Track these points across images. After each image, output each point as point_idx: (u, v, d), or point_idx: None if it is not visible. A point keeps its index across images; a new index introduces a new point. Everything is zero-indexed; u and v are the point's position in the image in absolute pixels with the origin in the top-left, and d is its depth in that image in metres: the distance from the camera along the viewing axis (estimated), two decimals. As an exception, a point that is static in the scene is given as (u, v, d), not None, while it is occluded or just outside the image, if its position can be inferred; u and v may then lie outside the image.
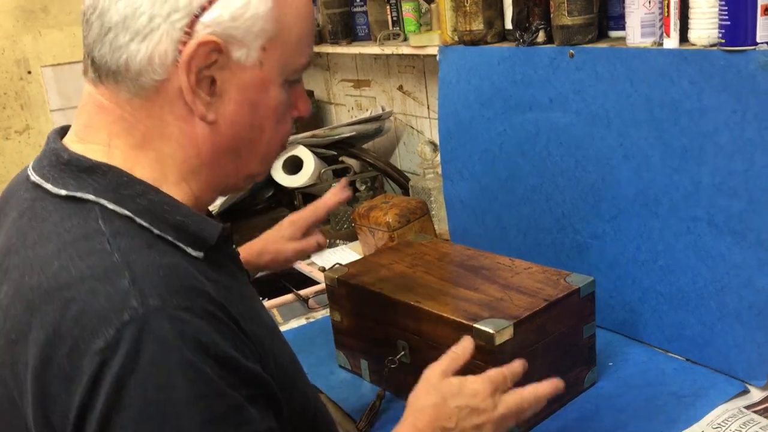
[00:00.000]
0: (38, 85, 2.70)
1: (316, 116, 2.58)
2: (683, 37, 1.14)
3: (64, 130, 0.79)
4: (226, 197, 1.92)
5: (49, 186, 0.72)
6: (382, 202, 1.76)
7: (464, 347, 0.91)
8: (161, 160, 0.74)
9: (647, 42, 1.18)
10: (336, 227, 1.98)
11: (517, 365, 0.90)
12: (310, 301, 1.60)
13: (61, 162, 0.73)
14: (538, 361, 1.09)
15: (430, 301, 1.14)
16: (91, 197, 0.70)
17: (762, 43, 1.01)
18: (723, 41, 1.05)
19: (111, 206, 0.70)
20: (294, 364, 0.86)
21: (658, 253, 1.24)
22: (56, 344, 0.64)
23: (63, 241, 0.68)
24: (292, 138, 1.94)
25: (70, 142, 0.76)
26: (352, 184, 2.01)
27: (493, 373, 0.87)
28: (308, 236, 1.28)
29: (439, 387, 0.85)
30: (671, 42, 1.14)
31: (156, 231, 0.71)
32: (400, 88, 2.17)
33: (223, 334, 0.67)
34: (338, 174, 2.03)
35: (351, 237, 1.94)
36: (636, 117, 1.21)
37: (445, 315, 1.09)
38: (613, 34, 1.32)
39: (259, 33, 0.72)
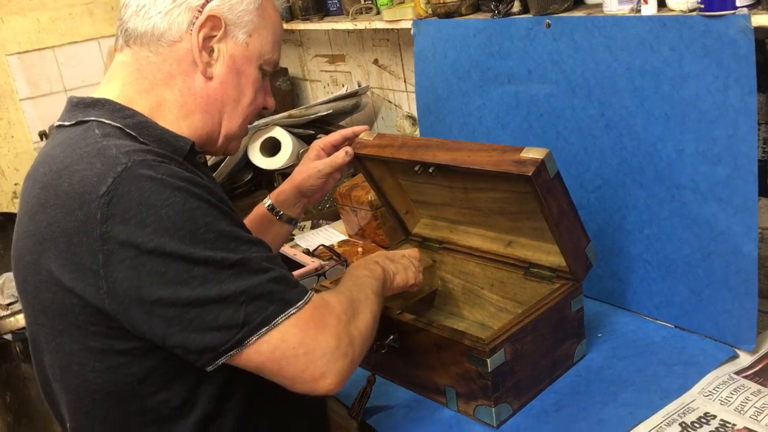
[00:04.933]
0: (5, 74, 2.62)
1: (292, 94, 2.54)
2: (661, 3, 1.12)
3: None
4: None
5: (64, 123, 0.94)
6: (363, 181, 1.74)
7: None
8: (162, 103, 0.96)
9: (625, 9, 1.16)
10: (318, 207, 1.96)
11: None
12: (296, 285, 1.58)
13: (72, 104, 0.96)
14: (528, 337, 1.08)
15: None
16: (91, 118, 0.91)
17: (742, 6, 0.99)
18: (702, 6, 1.03)
19: (105, 120, 0.91)
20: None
21: (644, 222, 1.23)
22: (67, 204, 0.83)
23: (66, 145, 0.90)
24: (268, 119, 1.91)
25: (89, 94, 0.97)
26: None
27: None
28: None
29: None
30: (649, 8, 1.12)
31: (141, 140, 0.90)
32: (376, 62, 2.13)
33: (208, 188, 0.87)
34: (317, 153, 2.00)
35: (334, 217, 1.92)
36: (617, 86, 1.20)
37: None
38: (590, 1, 1.30)
39: (248, 22, 0.99)
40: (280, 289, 0.86)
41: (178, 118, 0.97)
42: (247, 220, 1.30)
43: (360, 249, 1.70)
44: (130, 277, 0.81)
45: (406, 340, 1.15)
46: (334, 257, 1.69)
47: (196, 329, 0.83)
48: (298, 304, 0.87)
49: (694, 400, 1.05)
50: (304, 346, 0.86)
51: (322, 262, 1.67)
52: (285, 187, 1.29)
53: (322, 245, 1.74)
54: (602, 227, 1.29)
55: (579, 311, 1.18)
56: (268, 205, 1.29)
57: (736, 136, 1.05)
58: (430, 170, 1.18)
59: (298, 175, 1.28)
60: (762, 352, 1.13)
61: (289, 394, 0.95)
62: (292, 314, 0.86)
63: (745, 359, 1.12)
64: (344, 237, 1.82)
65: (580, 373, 1.16)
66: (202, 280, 0.82)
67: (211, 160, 1.90)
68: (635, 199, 1.23)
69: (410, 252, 1.22)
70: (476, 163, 1.09)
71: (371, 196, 1.67)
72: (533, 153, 1.04)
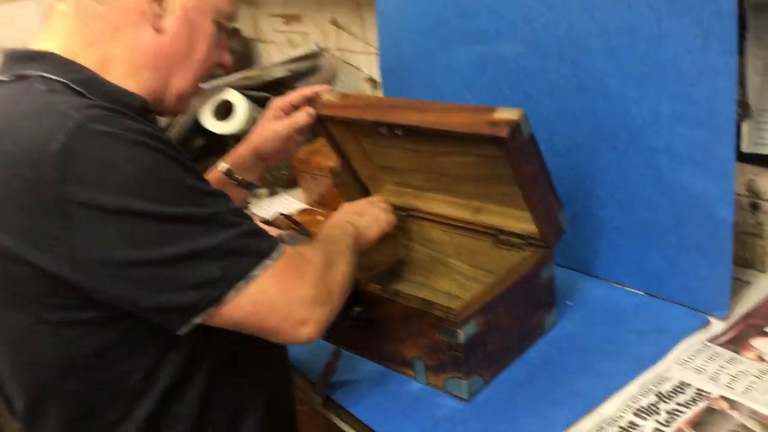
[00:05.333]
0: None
1: (246, 56, 2.43)
2: (640, -43, 1.07)
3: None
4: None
5: (1, 78, 0.87)
6: (323, 146, 1.67)
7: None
8: (108, 58, 0.88)
9: (601, -37, 1.11)
10: (274, 173, 1.88)
11: None
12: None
13: (10, 58, 0.88)
14: (500, 307, 1.04)
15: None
16: (33, 72, 0.84)
17: (725, -40, 0.95)
18: (683, -40, 0.98)
19: (49, 75, 0.84)
20: None
21: (615, 187, 1.20)
22: (13, 165, 0.77)
23: (6, 102, 0.83)
24: (221, 81, 1.81)
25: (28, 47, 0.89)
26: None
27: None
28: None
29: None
30: (627, -38, 1.07)
31: (89, 96, 0.83)
32: (334, 21, 2.05)
33: (166, 141, 0.82)
34: (273, 117, 1.91)
35: (292, 184, 1.85)
36: (591, 46, 1.15)
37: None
38: (563, -44, 1.24)
39: None
40: (253, 241, 0.84)
41: (126, 75, 0.90)
42: None
43: (321, 219, 1.63)
44: (95, 240, 0.76)
45: (372, 311, 1.09)
46: (294, 226, 1.62)
47: (171, 289, 0.79)
48: (273, 255, 0.84)
49: (668, 369, 1.03)
50: (283, 296, 0.84)
51: (281, 232, 1.61)
52: (242, 150, 1.22)
53: (281, 214, 1.67)
54: (572, 192, 1.25)
55: (550, 279, 1.14)
56: (225, 170, 1.22)
57: (715, 97, 1.01)
58: (398, 133, 1.11)
59: (255, 137, 1.21)
60: (734, 318, 1.11)
61: (252, 367, 0.92)
62: (268, 265, 0.83)
63: (717, 326, 1.11)
64: (304, 205, 1.75)
65: (551, 343, 1.13)
66: (173, 238, 0.78)
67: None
68: (607, 163, 1.19)
69: (374, 198, 1.20)
70: (446, 125, 1.04)
71: (332, 162, 1.60)
72: (507, 113, 0.99)
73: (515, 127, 0.97)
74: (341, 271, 0.94)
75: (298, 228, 1.60)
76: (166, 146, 0.81)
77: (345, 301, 0.94)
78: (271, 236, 0.87)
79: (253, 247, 0.83)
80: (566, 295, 1.23)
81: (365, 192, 1.35)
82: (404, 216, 1.31)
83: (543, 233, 1.11)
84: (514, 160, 1.00)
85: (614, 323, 1.15)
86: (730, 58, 0.97)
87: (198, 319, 0.81)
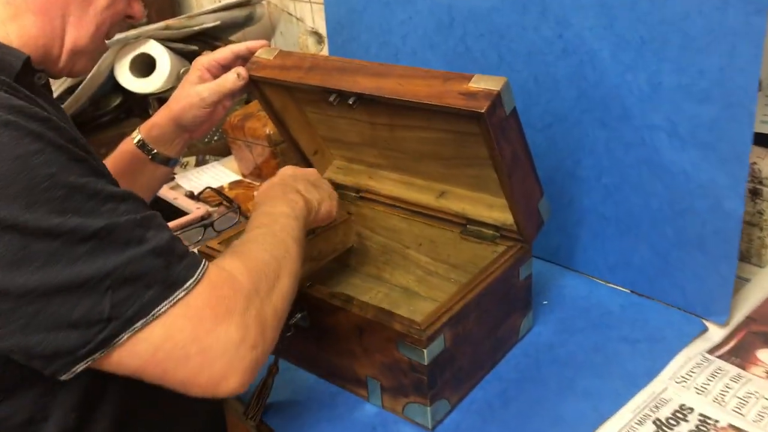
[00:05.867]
0: None
1: (171, 1, 2.16)
2: None
3: None
4: (63, 106, 1.53)
5: None
6: (259, 110, 1.45)
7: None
8: None
9: None
10: (203, 140, 1.65)
11: None
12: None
13: None
14: (471, 316, 0.86)
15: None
16: None
17: None
18: None
19: None
20: None
21: (602, 169, 1.03)
22: None
23: None
24: (140, 30, 1.56)
25: None
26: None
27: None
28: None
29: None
30: None
31: None
32: (273, -35, 1.80)
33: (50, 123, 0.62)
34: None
35: (223, 152, 1.63)
36: (580, 1, 0.96)
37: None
38: None
39: None
40: (161, 264, 0.62)
41: (3, 20, 0.71)
42: (110, 160, 1.01)
43: (256, 193, 1.42)
44: None
45: (318, 319, 0.91)
46: (225, 203, 1.40)
47: (40, 328, 0.58)
48: (188, 284, 0.63)
49: (666, 388, 0.88)
50: (197, 343, 0.63)
51: (210, 209, 1.40)
52: (160, 119, 1.00)
53: (209, 187, 1.45)
54: (550, 174, 1.07)
55: (528, 278, 0.97)
56: (138, 141, 1.00)
57: (732, 66, 0.84)
58: (350, 102, 0.91)
59: (175, 104, 0.99)
60: (734, 323, 0.97)
61: (171, 398, 0.70)
62: (179, 299, 0.62)
63: (716, 333, 0.96)
64: (237, 177, 1.53)
65: (527, 353, 0.96)
66: (45, 260, 0.57)
67: (63, 82, 1.54)
68: (594, 142, 1.02)
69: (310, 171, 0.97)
70: (411, 95, 0.84)
71: (269, 128, 1.38)
72: (486, 83, 0.80)
73: (495, 100, 0.79)
74: (282, 293, 0.72)
75: (229, 205, 1.39)
76: (51, 129, 0.60)
77: (284, 321, 0.74)
78: (187, 252, 0.66)
79: (159, 273, 0.62)
80: (542, 292, 1.07)
81: (309, 167, 1.15)
82: (355, 198, 1.12)
83: (520, 225, 0.94)
84: (491, 139, 0.82)
85: (598, 328, 0.99)
86: (758, 19, 0.80)
87: (81, 367, 0.61)
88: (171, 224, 1.32)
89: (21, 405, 0.66)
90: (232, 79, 0.97)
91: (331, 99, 0.94)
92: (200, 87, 0.98)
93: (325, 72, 0.93)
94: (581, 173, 1.05)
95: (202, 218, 1.34)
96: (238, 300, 0.65)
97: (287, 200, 0.85)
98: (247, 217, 1.12)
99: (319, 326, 0.91)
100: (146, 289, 0.61)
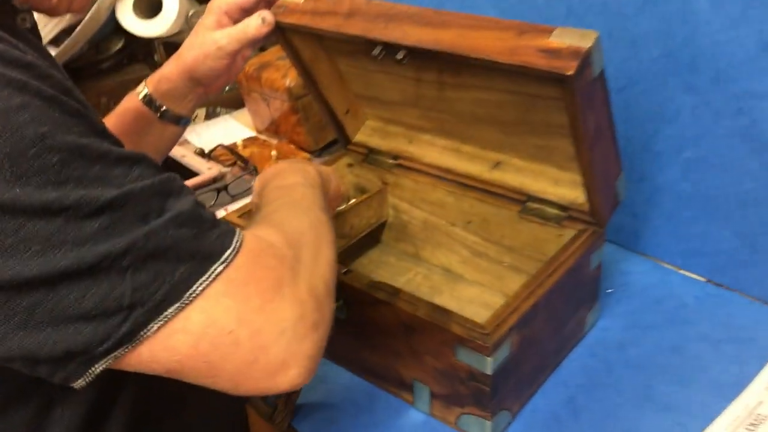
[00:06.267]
0: None
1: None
2: None
3: None
4: (59, 49, 1.38)
5: None
6: (278, 58, 1.30)
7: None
8: None
9: None
10: (220, 94, 1.49)
11: None
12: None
13: None
14: (539, 315, 0.74)
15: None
16: None
17: None
18: None
19: None
20: None
21: (685, 141, 0.89)
22: None
23: None
24: (144, -35, 1.39)
25: None
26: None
27: None
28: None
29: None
30: None
31: None
32: None
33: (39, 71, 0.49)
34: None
35: (235, 104, 1.48)
36: (675, -61, 0.81)
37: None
38: None
39: None
40: (188, 234, 0.49)
41: None
42: (111, 119, 0.87)
43: (274, 152, 1.28)
44: None
45: (356, 311, 0.78)
46: (239, 162, 1.26)
47: (45, 323, 0.46)
48: (226, 255, 0.50)
49: (761, 402, 0.76)
50: (246, 326, 0.49)
51: (223, 169, 1.25)
52: (170, 71, 0.86)
53: (222, 145, 1.31)
54: (622, 144, 0.93)
55: (598, 268, 0.84)
56: (144, 96, 0.86)
57: None
58: (399, 57, 0.77)
59: (189, 53, 0.84)
60: (831, 323, 0.85)
61: (196, 394, 0.58)
62: (218, 274, 0.49)
63: (811, 334, 0.84)
64: (251, 132, 1.38)
65: (594, 352, 0.84)
66: (44, 244, 0.45)
67: (59, 22, 1.37)
68: (678, 108, 0.88)
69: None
70: (478, 50, 0.69)
71: (290, 80, 1.23)
72: (571, 38, 0.65)
73: (584, 60, 0.64)
74: (328, 261, 0.59)
75: (244, 165, 1.25)
76: (33, 76, 0.47)
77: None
78: (217, 220, 0.52)
79: (188, 245, 0.49)
80: (606, 279, 0.94)
81: (339, 128, 1.01)
82: (392, 165, 0.98)
83: (595, 205, 0.80)
84: (575, 105, 0.68)
85: (673, 324, 0.87)
86: None
87: (99, 368, 0.48)
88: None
89: (18, 419, 0.55)
90: (255, 24, 0.82)
91: (375, 52, 0.79)
92: (217, 34, 0.83)
93: (368, 19, 0.78)
94: (658, 145, 0.91)
95: (215, 180, 1.21)
96: (285, 272, 0.52)
97: (296, 170, 0.73)
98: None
99: (358, 320, 0.78)
100: (176, 265, 0.48)
